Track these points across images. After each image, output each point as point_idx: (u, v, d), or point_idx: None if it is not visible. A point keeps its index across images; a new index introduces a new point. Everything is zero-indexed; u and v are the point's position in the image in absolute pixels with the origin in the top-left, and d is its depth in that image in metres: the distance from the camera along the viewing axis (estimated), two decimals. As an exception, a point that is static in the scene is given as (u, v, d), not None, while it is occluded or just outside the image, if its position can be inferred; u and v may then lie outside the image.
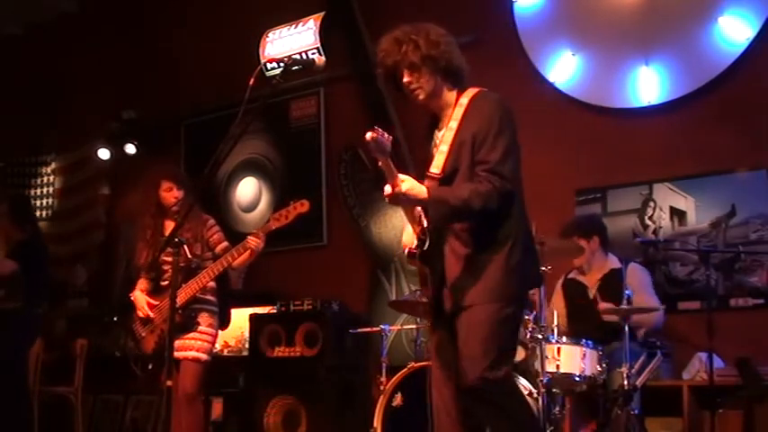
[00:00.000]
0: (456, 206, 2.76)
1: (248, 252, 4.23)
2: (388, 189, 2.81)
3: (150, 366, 4.43)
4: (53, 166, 8.53)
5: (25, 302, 5.05)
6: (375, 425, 4.34)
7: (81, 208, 8.19)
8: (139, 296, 4.45)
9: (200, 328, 4.33)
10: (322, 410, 5.18)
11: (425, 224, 2.89)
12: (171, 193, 4.45)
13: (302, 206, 4.24)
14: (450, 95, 2.97)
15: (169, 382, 3.26)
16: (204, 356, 4.33)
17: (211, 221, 4.55)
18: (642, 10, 5.25)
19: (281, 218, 4.22)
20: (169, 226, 4.45)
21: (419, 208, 2.94)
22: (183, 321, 4.28)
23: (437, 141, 2.98)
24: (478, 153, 2.82)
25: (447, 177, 2.86)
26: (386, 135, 2.72)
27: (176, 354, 4.24)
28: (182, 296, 4.26)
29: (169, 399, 3.36)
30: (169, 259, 4.29)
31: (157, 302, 4.39)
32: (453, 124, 2.90)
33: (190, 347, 4.30)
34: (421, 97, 2.95)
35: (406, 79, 2.93)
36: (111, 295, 7.78)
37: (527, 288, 3.04)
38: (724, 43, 4.98)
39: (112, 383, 7.08)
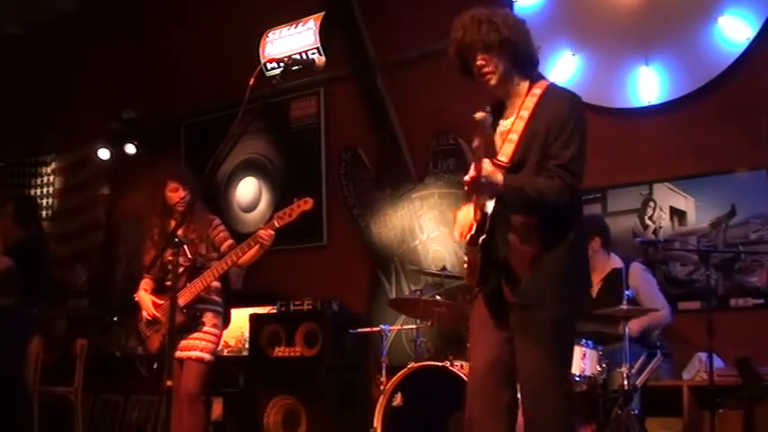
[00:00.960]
0: (532, 198, 2.67)
1: (257, 247, 4.21)
2: (471, 172, 2.67)
3: (155, 366, 4.43)
4: (53, 166, 8.53)
5: (20, 300, 5.03)
6: (375, 425, 4.33)
7: (81, 208, 8.19)
8: (144, 296, 4.45)
9: (204, 328, 4.33)
10: (322, 410, 5.18)
11: (489, 211, 2.77)
12: (176, 194, 4.45)
13: (306, 204, 4.22)
14: (521, 84, 2.87)
15: (169, 382, 3.25)
16: (208, 356, 4.33)
17: (217, 221, 4.57)
18: (642, 10, 5.25)
19: (285, 216, 4.20)
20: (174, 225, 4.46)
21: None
22: (188, 321, 4.28)
23: (503, 129, 2.86)
24: (551, 147, 2.73)
25: (514, 167, 2.76)
26: (490, 116, 2.61)
27: (180, 353, 4.25)
28: (186, 295, 4.26)
29: (169, 399, 3.35)
30: (173, 259, 4.33)
31: (162, 302, 4.39)
32: (525, 114, 2.80)
33: (194, 347, 4.30)
34: (492, 82, 2.83)
35: (479, 62, 2.81)
36: (111, 295, 7.79)
37: (583, 288, 2.95)
38: (724, 43, 4.98)
39: (112, 383, 7.10)
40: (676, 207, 5.08)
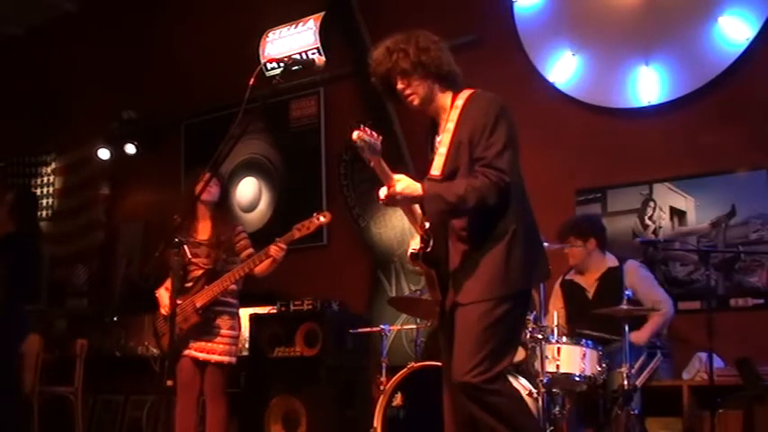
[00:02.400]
0: (452, 201, 2.76)
1: (270, 260, 4.36)
2: (383, 191, 2.82)
3: (167, 363, 4.49)
4: (53, 166, 8.54)
5: (7, 298, 4.95)
6: (375, 425, 4.34)
7: (81, 208, 8.19)
8: (164, 293, 4.49)
9: (222, 331, 4.45)
10: (322, 410, 5.18)
11: (427, 225, 2.89)
12: (210, 188, 4.49)
13: (324, 218, 4.35)
14: (445, 99, 3.00)
15: (169, 382, 3.26)
16: (227, 359, 4.45)
17: (240, 228, 4.71)
18: (642, 10, 5.25)
19: (304, 228, 4.34)
20: (204, 228, 4.57)
21: (419, 209, 2.95)
22: (202, 322, 4.39)
23: (437, 145, 3.00)
24: (475, 151, 2.83)
25: (447, 178, 2.87)
26: (374, 134, 2.72)
27: (201, 356, 4.40)
28: (204, 297, 4.38)
29: (169, 399, 3.36)
30: (196, 261, 4.41)
31: (180, 302, 4.43)
32: (450, 126, 2.93)
33: (213, 351, 4.41)
34: (415, 103, 2.99)
35: (399, 86, 2.98)
36: (111, 295, 7.79)
37: (528, 284, 2.97)
38: (724, 43, 4.98)
39: (112, 383, 7.10)
40: (676, 207, 5.08)
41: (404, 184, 2.80)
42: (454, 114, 2.94)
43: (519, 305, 2.89)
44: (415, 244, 2.98)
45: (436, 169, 2.91)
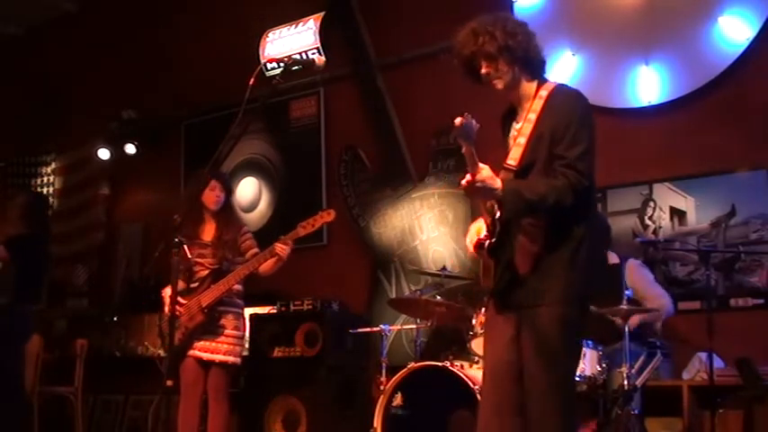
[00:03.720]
0: (531, 200, 2.70)
1: (275, 259, 4.37)
2: (467, 177, 2.72)
3: (168, 363, 4.51)
4: (53, 166, 8.54)
5: (14, 299, 5.00)
6: (375, 425, 4.33)
7: (81, 208, 8.20)
8: (169, 292, 4.49)
9: (226, 331, 4.46)
10: (322, 410, 5.18)
11: (497, 215, 2.81)
12: (214, 192, 4.55)
13: (328, 215, 4.38)
14: (529, 87, 2.92)
15: (169, 382, 3.26)
16: (232, 359, 4.46)
17: (245, 228, 4.73)
18: (642, 10, 5.25)
19: (308, 226, 4.36)
20: (208, 228, 4.60)
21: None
22: (207, 321, 4.40)
23: (515, 133, 2.93)
24: (557, 148, 2.77)
25: (523, 170, 2.81)
26: (474, 122, 2.64)
27: (205, 356, 4.41)
28: (209, 296, 4.40)
29: (169, 399, 3.36)
30: (201, 261, 4.42)
31: (186, 301, 4.44)
32: (532, 116, 2.85)
33: (217, 350, 4.42)
34: (499, 86, 2.90)
35: (484, 70, 2.89)
36: (111, 295, 7.79)
37: (592, 288, 2.89)
38: (724, 43, 4.98)
39: (112, 383, 7.10)
40: (676, 207, 5.08)
41: (488, 173, 2.72)
42: (537, 105, 2.86)
43: (586, 308, 2.87)
44: (478, 232, 2.92)
45: (513, 159, 2.84)
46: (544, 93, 2.88)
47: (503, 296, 2.87)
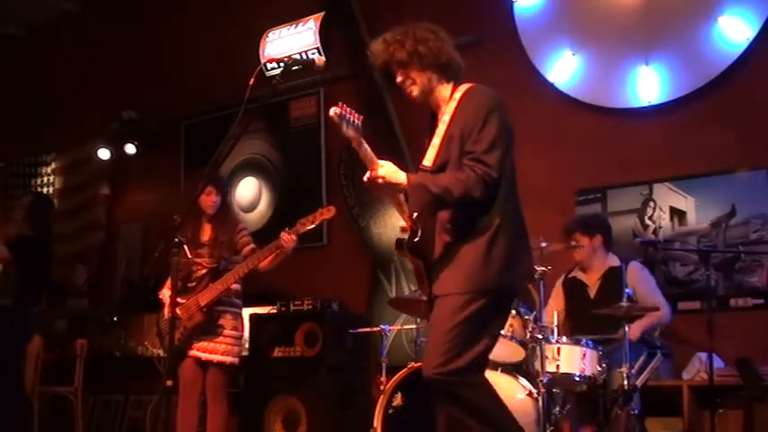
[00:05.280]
0: (435, 192, 2.76)
1: (274, 254, 4.39)
2: (367, 174, 2.79)
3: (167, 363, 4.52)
4: (53, 166, 8.53)
5: (17, 300, 5.02)
6: (375, 425, 4.33)
7: (81, 208, 8.19)
8: (167, 294, 4.51)
9: (224, 331, 4.48)
10: (322, 410, 5.18)
11: (415, 215, 2.88)
12: (210, 197, 4.59)
13: (328, 212, 4.40)
14: (445, 90, 3.00)
15: (169, 382, 3.26)
16: (230, 359, 4.48)
17: (241, 226, 4.76)
18: (642, 10, 5.25)
19: (308, 222, 4.38)
20: (206, 228, 4.63)
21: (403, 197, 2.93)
22: (206, 320, 4.42)
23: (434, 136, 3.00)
24: (466, 144, 2.83)
25: (438, 170, 2.88)
26: (353, 112, 2.71)
27: (203, 356, 4.43)
28: (207, 296, 4.42)
29: (169, 399, 3.36)
30: (199, 260, 4.43)
31: (184, 301, 4.44)
32: (446, 118, 2.93)
33: (215, 350, 4.44)
34: (414, 94, 2.99)
35: (398, 78, 2.99)
36: (111, 295, 7.79)
37: (507, 280, 2.86)
38: (724, 43, 4.97)
39: (112, 383, 7.09)
40: (676, 207, 5.08)
41: (387, 169, 2.79)
42: (451, 107, 2.94)
43: (494, 302, 2.83)
44: (401, 233, 2.98)
45: (428, 160, 2.92)
46: (458, 95, 2.95)
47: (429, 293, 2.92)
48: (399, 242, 2.91)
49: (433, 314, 2.84)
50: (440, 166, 2.87)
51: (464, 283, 2.78)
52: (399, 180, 2.79)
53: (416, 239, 2.86)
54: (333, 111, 2.69)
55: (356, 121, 2.74)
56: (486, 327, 2.84)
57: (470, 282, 2.77)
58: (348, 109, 2.71)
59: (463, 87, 2.98)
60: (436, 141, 2.92)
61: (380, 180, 2.78)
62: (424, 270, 2.92)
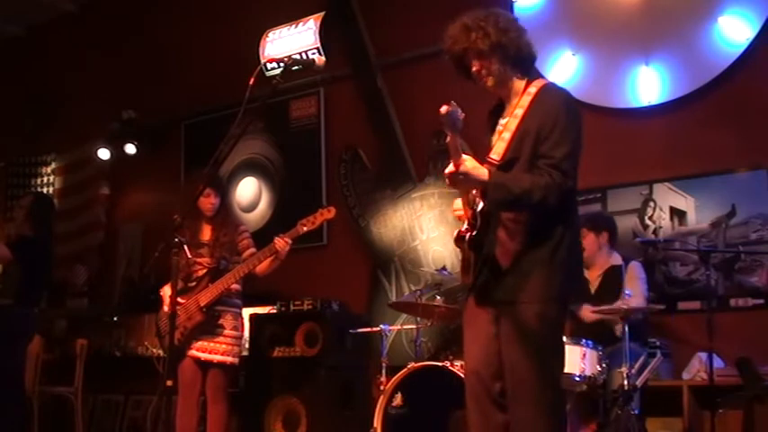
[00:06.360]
0: (516, 194, 2.67)
1: (271, 258, 4.41)
2: (450, 167, 2.70)
3: (168, 363, 4.52)
4: (53, 166, 8.53)
5: (17, 300, 5.02)
6: (375, 425, 4.34)
7: (81, 208, 8.19)
8: (168, 291, 4.50)
9: (225, 332, 4.48)
10: (322, 410, 5.18)
11: (479, 208, 2.79)
12: (208, 199, 4.58)
13: (329, 212, 4.42)
14: (518, 83, 2.91)
15: (169, 382, 3.26)
16: (230, 359, 4.49)
17: (243, 227, 4.76)
18: (642, 10, 5.25)
19: (309, 223, 4.40)
20: (206, 229, 4.63)
21: (474, 191, 2.83)
22: (206, 320, 4.42)
23: (500, 128, 2.91)
24: (542, 146, 2.74)
25: (506, 165, 2.79)
26: (460, 111, 2.60)
27: (203, 356, 4.43)
28: (207, 296, 4.42)
29: (169, 399, 3.36)
30: (199, 261, 4.44)
31: (184, 301, 4.45)
32: (519, 112, 2.83)
33: (215, 351, 4.44)
34: (489, 84, 2.89)
35: (475, 68, 2.88)
36: (111, 295, 7.79)
37: (571, 286, 2.88)
38: (724, 43, 4.98)
39: (112, 383, 7.09)
40: (676, 207, 5.08)
41: (472, 164, 2.69)
42: (525, 101, 2.84)
43: (565, 306, 2.84)
44: (460, 218, 2.89)
45: (496, 154, 2.81)
46: (533, 89, 2.86)
47: (481, 291, 2.86)
48: (460, 236, 2.82)
49: (511, 320, 2.75)
50: (508, 161, 2.78)
51: (541, 291, 2.73)
52: (480, 176, 2.69)
53: (475, 234, 2.78)
54: (444, 108, 2.57)
55: (461, 119, 2.63)
56: (561, 332, 2.87)
57: (547, 290, 2.74)
58: (456, 106, 2.59)
59: (539, 82, 2.89)
60: (506, 135, 2.82)
61: (462, 175, 2.68)
62: (474, 264, 2.85)
